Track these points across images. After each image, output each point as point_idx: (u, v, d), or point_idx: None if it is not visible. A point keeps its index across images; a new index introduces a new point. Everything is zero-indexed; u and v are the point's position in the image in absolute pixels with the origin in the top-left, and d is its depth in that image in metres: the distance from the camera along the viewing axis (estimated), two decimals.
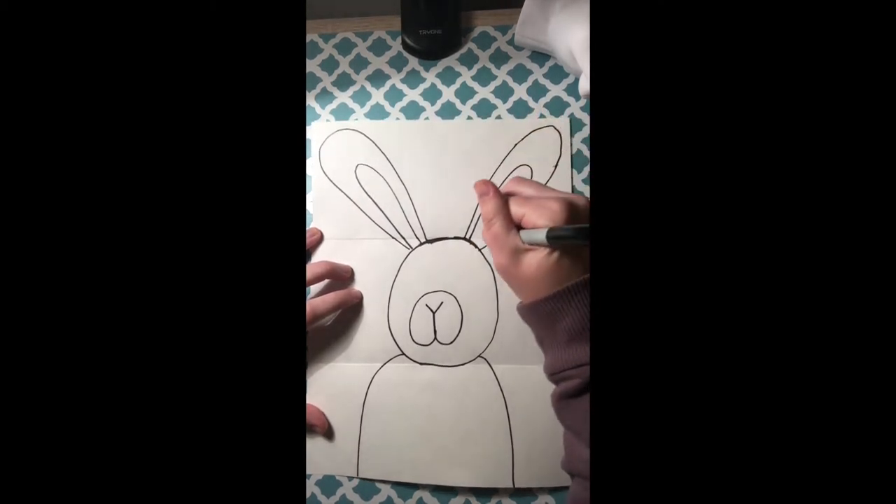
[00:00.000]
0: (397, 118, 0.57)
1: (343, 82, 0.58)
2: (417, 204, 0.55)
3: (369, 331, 0.54)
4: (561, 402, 0.43)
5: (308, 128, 0.57)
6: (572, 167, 0.55)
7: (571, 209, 0.44)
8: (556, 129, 0.55)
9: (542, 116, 0.56)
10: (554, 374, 0.44)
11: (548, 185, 0.54)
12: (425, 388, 0.53)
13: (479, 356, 0.53)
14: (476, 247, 0.54)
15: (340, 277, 0.54)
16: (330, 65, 0.59)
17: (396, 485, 0.53)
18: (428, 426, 0.52)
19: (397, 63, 0.58)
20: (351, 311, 0.54)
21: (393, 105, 0.57)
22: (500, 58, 0.57)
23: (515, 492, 0.52)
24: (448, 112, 0.57)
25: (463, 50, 0.58)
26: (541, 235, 0.43)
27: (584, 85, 0.51)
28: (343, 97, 0.58)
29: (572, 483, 0.43)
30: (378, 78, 0.58)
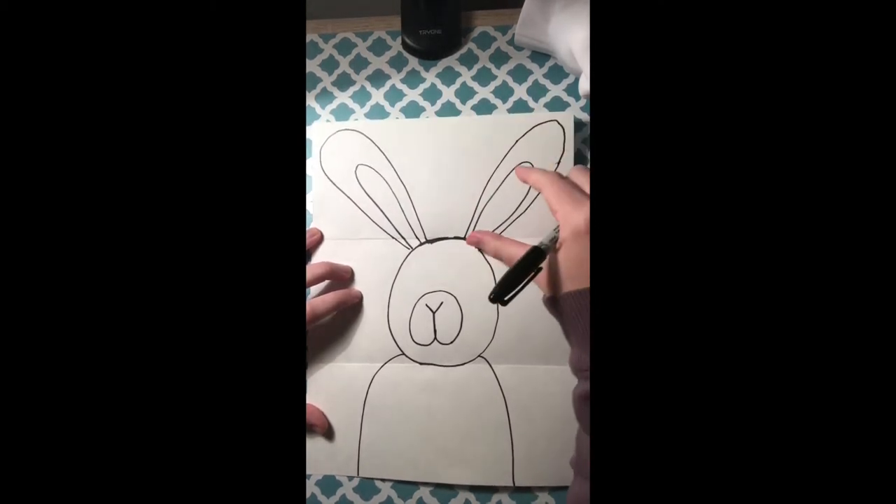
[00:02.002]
0: (397, 118, 0.57)
1: (343, 82, 0.58)
2: (417, 204, 0.55)
3: (369, 331, 0.54)
4: (585, 402, 0.42)
5: (308, 128, 0.57)
6: (575, 163, 0.54)
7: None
8: (559, 123, 0.54)
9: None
10: (582, 371, 0.43)
11: None
12: (425, 388, 0.53)
13: (479, 356, 0.53)
14: (476, 246, 0.54)
15: (340, 278, 0.54)
16: (330, 65, 0.59)
17: (397, 484, 0.53)
18: (428, 426, 0.52)
19: (397, 63, 0.58)
20: (351, 311, 0.54)
21: (393, 105, 0.57)
22: (500, 58, 0.57)
23: (515, 490, 0.52)
24: (448, 112, 0.57)
25: (463, 50, 0.58)
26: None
27: (584, 85, 0.51)
28: (343, 97, 0.58)
29: (574, 480, 0.43)
30: (378, 78, 0.58)
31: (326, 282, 0.54)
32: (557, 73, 0.56)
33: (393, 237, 0.55)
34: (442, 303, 0.54)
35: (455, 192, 0.54)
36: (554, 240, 0.45)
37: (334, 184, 0.56)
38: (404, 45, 0.58)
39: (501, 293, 0.42)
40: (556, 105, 0.56)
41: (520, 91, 0.56)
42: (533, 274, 0.43)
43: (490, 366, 0.53)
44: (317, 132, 0.57)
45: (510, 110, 0.56)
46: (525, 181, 0.52)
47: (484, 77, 0.57)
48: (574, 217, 0.44)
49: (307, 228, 0.55)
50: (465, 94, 0.57)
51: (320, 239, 0.55)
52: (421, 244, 0.54)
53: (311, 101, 0.58)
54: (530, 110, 0.56)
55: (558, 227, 0.45)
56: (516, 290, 0.42)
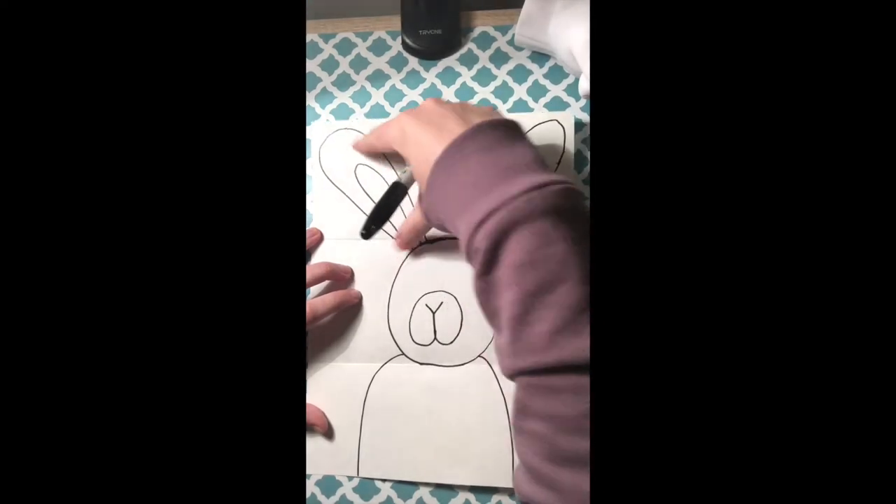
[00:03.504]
0: None
1: (343, 82, 0.58)
2: None
3: (369, 331, 0.54)
4: (528, 419, 0.38)
5: (308, 128, 0.57)
6: (575, 163, 0.54)
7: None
8: (559, 123, 0.54)
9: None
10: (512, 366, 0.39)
11: None
12: (425, 388, 0.53)
13: (479, 356, 0.53)
14: None
15: (340, 278, 0.54)
16: (330, 65, 0.59)
17: (397, 484, 0.53)
18: (428, 426, 0.52)
19: (397, 63, 0.58)
20: (351, 311, 0.54)
21: (393, 105, 0.57)
22: (500, 58, 0.57)
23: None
24: None
25: (463, 50, 0.58)
26: None
27: (584, 85, 0.51)
28: (343, 97, 0.58)
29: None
30: (378, 78, 0.58)
31: (326, 282, 0.54)
32: (557, 73, 0.56)
33: (393, 237, 0.55)
34: (442, 303, 0.54)
35: None
36: (410, 173, 0.48)
37: (334, 184, 0.56)
38: (404, 45, 0.58)
39: (372, 229, 0.49)
40: (556, 105, 0.56)
41: (520, 91, 0.56)
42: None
43: (490, 366, 0.53)
44: (317, 132, 0.57)
45: (510, 110, 0.56)
46: (369, 151, 0.55)
47: (484, 77, 0.57)
48: (430, 150, 0.42)
49: (307, 228, 0.55)
50: (465, 94, 0.57)
51: (320, 239, 0.55)
52: (421, 244, 0.54)
53: (311, 101, 0.58)
54: (530, 110, 0.56)
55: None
56: (382, 225, 0.50)
